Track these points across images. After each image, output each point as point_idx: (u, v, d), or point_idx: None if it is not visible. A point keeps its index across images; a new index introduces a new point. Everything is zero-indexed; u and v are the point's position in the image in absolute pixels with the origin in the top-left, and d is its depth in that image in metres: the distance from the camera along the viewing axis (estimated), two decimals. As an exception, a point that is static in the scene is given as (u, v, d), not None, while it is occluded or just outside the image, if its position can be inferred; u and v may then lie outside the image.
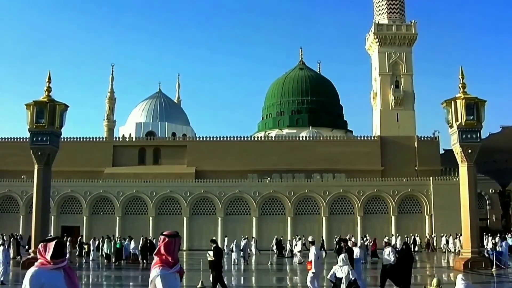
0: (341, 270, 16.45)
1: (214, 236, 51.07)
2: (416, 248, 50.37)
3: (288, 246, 47.64)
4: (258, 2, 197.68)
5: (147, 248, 39.18)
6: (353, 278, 16.10)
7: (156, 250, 6.31)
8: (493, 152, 56.03)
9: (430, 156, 67.38)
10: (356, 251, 20.00)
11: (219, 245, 21.32)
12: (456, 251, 49.59)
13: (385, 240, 22.70)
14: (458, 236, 51.69)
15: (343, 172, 63.03)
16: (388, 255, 19.81)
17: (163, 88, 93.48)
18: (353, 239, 41.12)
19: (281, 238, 49.84)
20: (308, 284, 17.85)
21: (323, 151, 67.34)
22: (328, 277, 17.88)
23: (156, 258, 6.29)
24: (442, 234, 54.61)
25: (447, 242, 52.52)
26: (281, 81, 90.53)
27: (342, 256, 16.95)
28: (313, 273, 17.70)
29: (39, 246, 5.96)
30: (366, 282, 19.46)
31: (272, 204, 59.85)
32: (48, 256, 5.81)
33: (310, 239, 19.70)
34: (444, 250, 52.15)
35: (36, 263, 5.89)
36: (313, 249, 18.14)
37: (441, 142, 69.73)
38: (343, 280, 16.12)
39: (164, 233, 6.42)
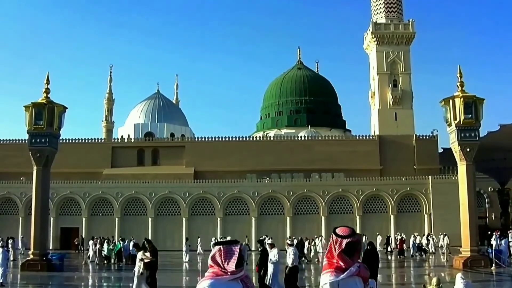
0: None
1: (213, 236, 51.13)
2: (389, 249, 49.51)
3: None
4: (256, 2, 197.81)
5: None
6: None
7: (327, 251, 5.17)
8: (491, 151, 55.88)
9: (428, 155, 67.45)
10: (274, 252, 18.91)
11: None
12: (430, 251, 48.92)
13: (288, 241, 21.62)
14: (429, 236, 51.37)
15: (342, 172, 63.11)
16: (289, 256, 18.68)
17: (162, 88, 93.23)
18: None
19: (301, 238, 47.93)
20: None
21: (321, 151, 67.38)
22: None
23: (325, 261, 5.19)
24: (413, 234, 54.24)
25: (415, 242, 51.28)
26: (279, 81, 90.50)
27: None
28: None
29: (214, 251, 4.82)
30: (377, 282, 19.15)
31: (271, 204, 59.87)
32: (231, 264, 4.72)
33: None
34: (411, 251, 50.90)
35: (208, 273, 4.81)
36: None
37: (439, 141, 69.83)
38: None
39: (335, 230, 5.17)
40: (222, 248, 4.78)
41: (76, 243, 53.24)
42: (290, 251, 18.64)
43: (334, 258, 5.04)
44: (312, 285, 27.62)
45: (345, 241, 5.01)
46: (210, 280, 4.69)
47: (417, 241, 47.41)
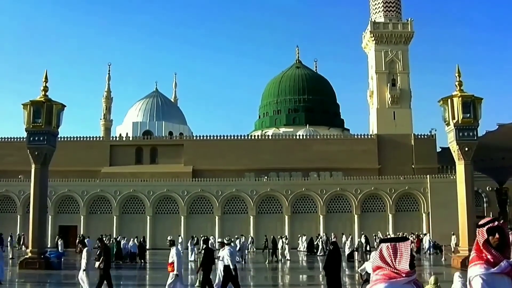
0: (370, 266, 17.16)
1: (212, 235, 51.07)
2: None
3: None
4: (255, 0, 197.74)
5: (143, 247, 39.28)
6: None
7: (475, 244, 4.66)
8: (490, 150, 55.92)
9: (427, 154, 67.50)
10: (225, 252, 18.83)
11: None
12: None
13: (224, 240, 20.82)
14: (410, 236, 50.94)
15: (340, 171, 63.11)
16: (225, 255, 18.53)
17: (160, 87, 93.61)
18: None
19: (273, 237, 45.48)
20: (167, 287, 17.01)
21: (320, 150, 67.41)
22: (359, 270, 18.68)
23: (473, 254, 4.65)
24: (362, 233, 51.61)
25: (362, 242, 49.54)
26: (278, 79, 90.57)
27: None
28: (175, 275, 16.90)
29: (383, 248, 4.21)
30: None
31: (269, 203, 59.87)
32: (403, 264, 4.10)
33: (169, 238, 18.83)
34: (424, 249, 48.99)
35: (378, 275, 4.20)
36: (173, 250, 17.28)
37: (438, 140, 69.88)
38: (371, 275, 16.83)
39: (479, 222, 4.63)
40: (390, 246, 4.21)
41: (56, 240, 52.64)
42: (226, 251, 18.51)
43: (482, 252, 4.50)
44: (286, 285, 27.83)
45: (485, 228, 4.51)
46: (384, 284, 4.11)
47: (432, 241, 47.44)
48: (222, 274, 18.26)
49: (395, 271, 4.12)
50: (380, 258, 4.21)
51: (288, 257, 40.34)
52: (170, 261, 17.18)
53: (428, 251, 46.34)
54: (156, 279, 29.20)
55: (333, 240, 25.84)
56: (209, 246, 19.73)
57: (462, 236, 31.87)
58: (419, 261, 40.28)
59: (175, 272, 16.82)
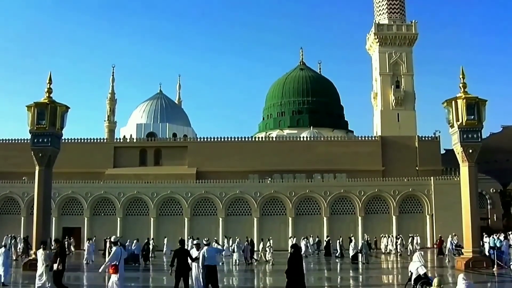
0: (413, 265, 17.90)
1: (215, 236, 51.01)
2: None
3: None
4: (259, 2, 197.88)
5: (148, 249, 39.28)
6: (422, 273, 17.70)
7: None
8: (494, 152, 56.01)
9: (431, 156, 67.35)
10: (199, 251, 18.90)
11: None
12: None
13: (204, 242, 20.31)
14: (397, 238, 50.70)
15: (344, 172, 63.03)
16: (206, 255, 18.58)
17: (164, 89, 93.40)
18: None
19: (251, 239, 44.02)
20: None
21: (324, 152, 67.34)
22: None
23: None
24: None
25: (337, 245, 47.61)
26: (282, 81, 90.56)
27: (417, 253, 18.48)
28: (117, 277, 16.68)
29: None
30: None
31: (273, 205, 59.85)
32: None
33: (112, 239, 18.62)
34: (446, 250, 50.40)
35: None
36: (114, 250, 17.16)
37: (442, 142, 69.86)
38: (413, 275, 17.69)
39: None
40: None
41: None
42: (197, 251, 18.95)
43: None
44: (267, 286, 27.78)
45: None
46: None
47: (455, 241, 47.28)
48: (201, 275, 18.42)
49: None
50: None
51: (270, 259, 39.50)
52: (111, 262, 16.95)
53: (451, 252, 46.04)
54: (158, 280, 29.22)
55: (294, 243, 25.32)
56: (184, 247, 19.94)
57: (466, 238, 31.76)
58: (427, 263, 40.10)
59: (118, 274, 16.69)
